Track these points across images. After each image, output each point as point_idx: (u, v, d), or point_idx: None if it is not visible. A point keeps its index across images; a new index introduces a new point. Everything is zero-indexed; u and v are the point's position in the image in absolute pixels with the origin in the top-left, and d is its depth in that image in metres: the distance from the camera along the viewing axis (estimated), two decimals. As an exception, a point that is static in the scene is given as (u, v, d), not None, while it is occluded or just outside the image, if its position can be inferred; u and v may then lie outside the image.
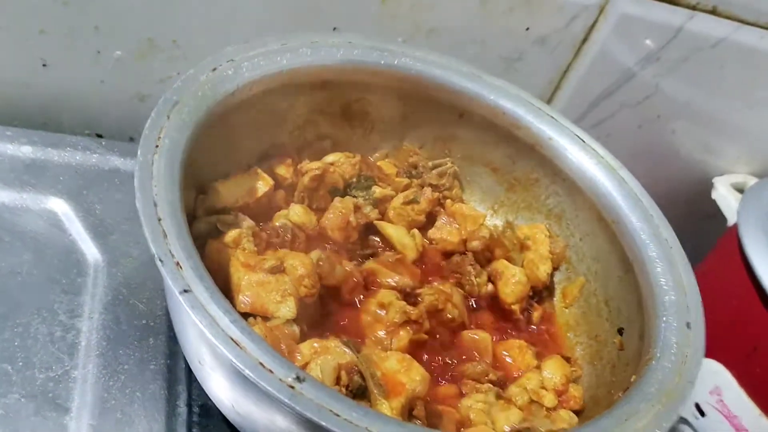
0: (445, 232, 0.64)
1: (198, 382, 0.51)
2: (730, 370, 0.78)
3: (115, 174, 0.64)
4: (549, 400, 0.53)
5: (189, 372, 0.54)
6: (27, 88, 0.67)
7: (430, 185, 0.66)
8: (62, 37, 0.65)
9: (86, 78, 0.68)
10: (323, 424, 0.37)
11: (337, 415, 0.37)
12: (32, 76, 0.67)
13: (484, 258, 0.64)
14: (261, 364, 0.38)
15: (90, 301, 0.56)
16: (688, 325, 0.50)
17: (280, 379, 0.38)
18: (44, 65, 0.66)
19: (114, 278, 0.58)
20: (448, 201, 0.66)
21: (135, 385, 0.52)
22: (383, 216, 0.63)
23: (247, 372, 0.37)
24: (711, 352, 0.80)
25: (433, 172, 0.67)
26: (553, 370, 0.56)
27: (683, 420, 0.82)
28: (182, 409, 0.52)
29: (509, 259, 0.64)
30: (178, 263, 0.40)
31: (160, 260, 0.40)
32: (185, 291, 0.39)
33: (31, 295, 0.54)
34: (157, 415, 0.51)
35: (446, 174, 0.67)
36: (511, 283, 0.62)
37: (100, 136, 0.71)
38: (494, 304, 0.63)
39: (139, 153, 0.45)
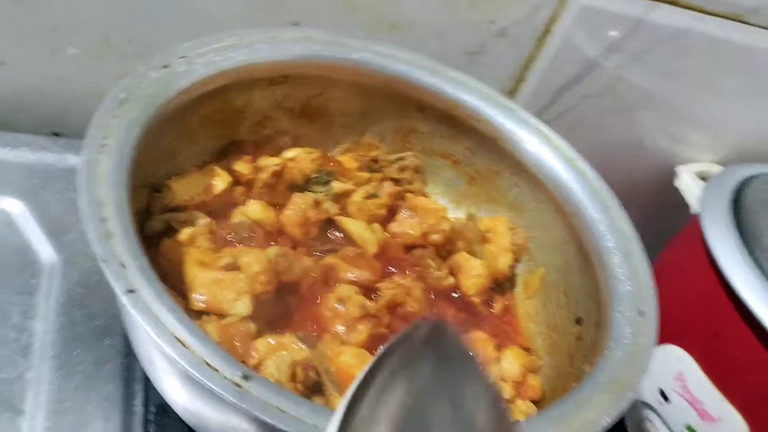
0: (406, 225, 0.64)
1: (154, 382, 0.51)
2: (693, 356, 0.79)
3: (72, 173, 0.61)
4: (506, 391, 0.54)
5: (146, 373, 0.53)
6: (-19, 88, 0.67)
7: (391, 179, 0.66)
8: (17, 35, 0.64)
9: (42, 76, 0.67)
10: (269, 421, 0.36)
11: (284, 412, 0.37)
12: (-13, 75, 0.66)
13: (446, 251, 0.64)
14: (206, 362, 0.38)
15: (44, 302, 0.55)
16: (642, 314, 0.51)
17: (226, 378, 0.37)
18: (0, 63, 0.65)
19: (69, 278, 0.57)
20: (409, 195, 0.66)
21: (90, 386, 0.52)
22: (344, 211, 0.63)
23: (191, 371, 0.37)
24: (674, 339, 0.81)
25: (394, 166, 0.67)
26: (511, 361, 0.56)
27: (648, 406, 0.83)
28: (139, 409, 0.52)
29: (471, 252, 0.64)
30: (122, 264, 0.40)
31: (104, 261, 0.39)
32: (130, 291, 0.39)
33: (-17, 297, 0.54)
34: (112, 415, 0.51)
35: (407, 168, 0.67)
36: (472, 275, 0.62)
37: (57, 134, 0.70)
38: (456, 297, 0.63)
39: (82, 152, 0.44)
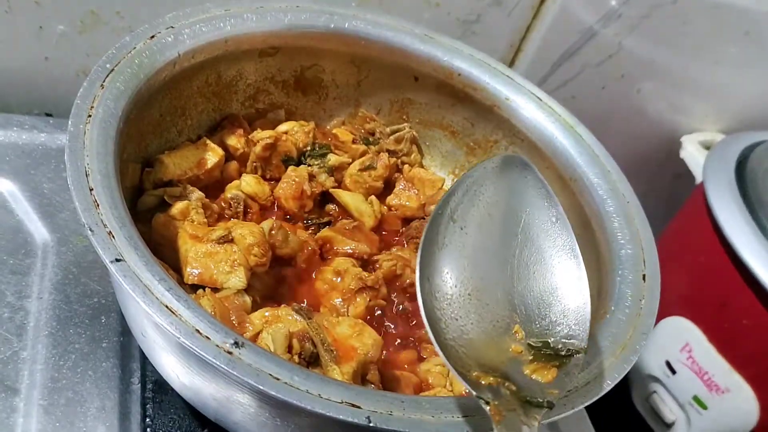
0: (403, 197, 0.64)
1: (151, 358, 0.50)
2: (700, 327, 0.78)
3: (64, 153, 0.63)
4: None
5: (141, 348, 0.53)
6: (-32, 69, 0.66)
7: (388, 151, 0.65)
8: (2, 14, 0.63)
9: (30, 55, 0.66)
10: (262, 388, 0.36)
11: (277, 379, 0.36)
12: (-27, 56, 0.65)
13: None
14: (197, 331, 0.37)
15: (39, 281, 0.54)
16: (643, 277, 0.50)
17: (217, 345, 0.37)
18: (-15, 44, 0.65)
19: (64, 257, 0.57)
20: (406, 166, 0.65)
21: (87, 364, 0.51)
22: (340, 184, 0.62)
23: (182, 340, 0.36)
24: (680, 310, 0.80)
25: (391, 137, 0.66)
26: (512, 330, 0.55)
27: (654, 378, 0.83)
28: (136, 386, 0.52)
29: None
30: (110, 232, 0.39)
31: (91, 230, 0.39)
32: (117, 260, 0.38)
33: (-24, 277, 0.53)
34: (110, 393, 0.50)
35: (404, 139, 0.66)
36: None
37: (49, 114, 0.69)
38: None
39: (69, 123, 0.43)
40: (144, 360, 0.53)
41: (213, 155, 0.57)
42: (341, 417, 0.36)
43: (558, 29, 0.79)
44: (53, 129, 0.64)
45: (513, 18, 0.77)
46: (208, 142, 0.58)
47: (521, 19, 0.78)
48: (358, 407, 0.37)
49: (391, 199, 0.64)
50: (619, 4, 0.79)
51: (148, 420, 0.50)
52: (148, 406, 0.51)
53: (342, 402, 0.37)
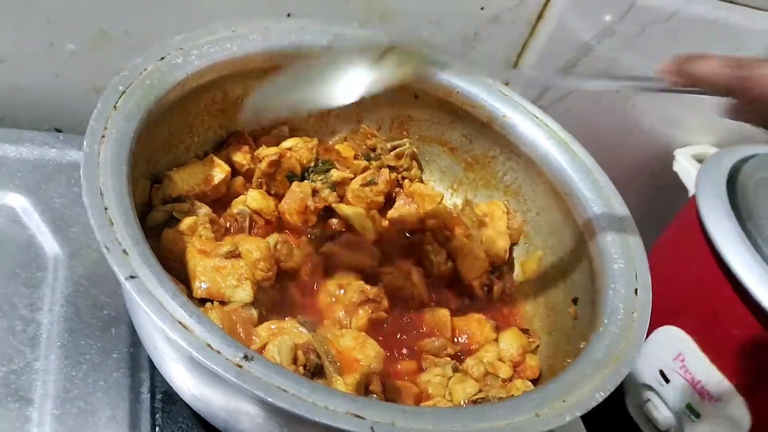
0: (403, 211, 0.65)
1: (160, 369, 0.52)
2: (692, 336, 0.80)
3: (74, 167, 0.65)
4: (504, 371, 0.55)
5: (152, 359, 0.54)
6: (-20, 85, 0.67)
7: (388, 167, 0.67)
8: (13, 30, 0.65)
9: (41, 72, 0.68)
10: (270, 400, 0.37)
11: (285, 391, 0.38)
12: (-15, 73, 0.67)
13: (444, 237, 0.65)
14: (209, 345, 0.39)
15: (50, 294, 0.56)
16: (635, 291, 0.52)
17: (228, 359, 0.38)
18: (-2, 61, 0.67)
19: (74, 271, 0.58)
20: (406, 181, 0.67)
21: (98, 375, 0.53)
22: (342, 199, 0.64)
23: (194, 354, 0.38)
24: (673, 319, 0.82)
25: (391, 153, 0.68)
26: (509, 342, 0.57)
27: (648, 387, 0.84)
28: (145, 396, 0.53)
29: (469, 237, 0.65)
30: (125, 250, 0.41)
31: (106, 248, 0.40)
32: (132, 277, 0.40)
33: (-10, 290, 0.55)
34: (120, 403, 0.52)
35: (404, 155, 0.68)
36: (470, 259, 0.63)
37: (59, 130, 0.71)
38: (455, 281, 0.64)
39: (84, 143, 0.45)
40: (153, 371, 0.54)
41: (220, 171, 0.59)
42: (346, 427, 0.38)
43: (554, 45, 0.81)
44: (63, 144, 0.66)
45: (510, 34, 0.79)
46: (215, 158, 0.59)
47: (518, 36, 0.80)
48: (362, 418, 0.39)
49: (392, 214, 0.65)
50: (614, 21, 0.81)
51: (157, 429, 0.51)
52: (157, 416, 0.52)
53: (347, 413, 0.39)
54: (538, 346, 0.59)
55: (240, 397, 0.42)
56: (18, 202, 0.61)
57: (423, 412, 0.42)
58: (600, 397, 0.44)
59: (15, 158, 0.64)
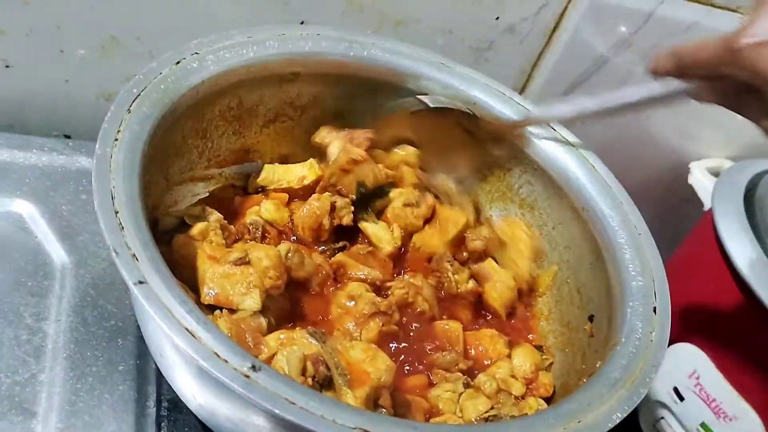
0: (431, 238, 0.63)
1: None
2: (708, 354, 0.79)
3: (83, 174, 0.64)
4: (517, 388, 0.54)
5: (159, 372, 0.53)
6: (-10, 90, 0.67)
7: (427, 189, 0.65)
8: (24, 37, 0.64)
9: (50, 78, 0.68)
10: (277, 412, 0.36)
11: (293, 404, 0.37)
12: (-5, 79, 0.66)
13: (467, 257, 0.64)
14: (216, 354, 0.38)
15: (57, 304, 0.55)
16: (654, 309, 0.51)
17: (235, 368, 0.37)
18: (7, 66, 0.66)
19: (82, 280, 0.57)
20: (437, 205, 0.65)
21: (103, 387, 0.52)
22: (381, 212, 0.63)
23: (201, 362, 0.37)
24: (688, 336, 0.81)
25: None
26: (522, 359, 0.56)
27: (662, 404, 0.83)
28: (152, 410, 0.52)
29: (491, 256, 0.63)
30: (134, 255, 0.40)
31: (116, 252, 0.40)
32: (140, 282, 0.39)
33: (-5, 298, 0.54)
34: (126, 416, 0.51)
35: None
36: (498, 287, 0.61)
37: (68, 137, 0.70)
38: (476, 301, 0.62)
39: (97, 146, 0.45)
40: (160, 381, 0.53)
41: (311, 173, 0.60)
42: None
43: (569, 57, 0.80)
44: (72, 151, 0.65)
45: (525, 45, 0.78)
46: (313, 161, 0.61)
47: (533, 47, 0.79)
48: None
49: (418, 241, 0.63)
50: (631, 32, 0.80)
51: (162, 438, 0.51)
52: (162, 424, 0.51)
53: (356, 428, 0.38)
54: (552, 364, 0.58)
55: (246, 408, 0.41)
56: (25, 208, 0.60)
57: (434, 429, 0.41)
58: (617, 418, 0.43)
59: (23, 164, 0.63)
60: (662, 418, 0.84)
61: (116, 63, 0.67)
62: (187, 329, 0.38)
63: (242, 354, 0.38)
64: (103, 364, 0.53)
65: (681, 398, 0.81)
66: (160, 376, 0.53)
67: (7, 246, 0.57)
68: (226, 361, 0.38)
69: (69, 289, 0.56)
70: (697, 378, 0.79)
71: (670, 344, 0.81)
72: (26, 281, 0.56)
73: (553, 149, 0.62)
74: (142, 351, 0.54)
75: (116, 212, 0.41)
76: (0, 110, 0.68)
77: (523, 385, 0.54)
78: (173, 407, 0.52)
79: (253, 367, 0.38)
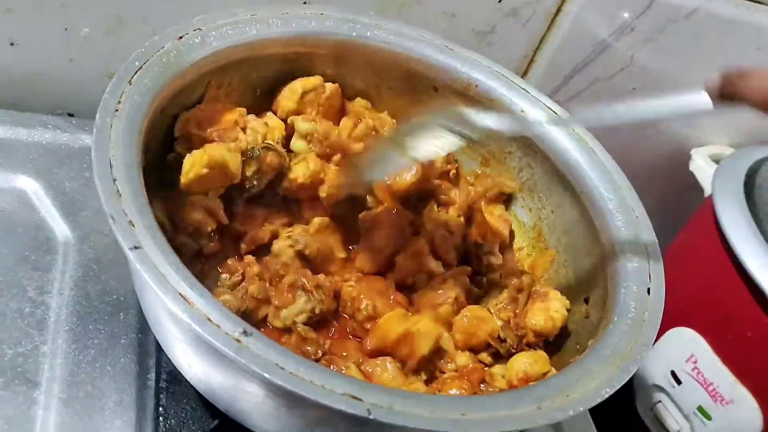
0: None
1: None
2: (705, 338, 0.79)
3: (86, 152, 0.65)
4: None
5: (159, 345, 0.54)
6: (-5, 68, 0.68)
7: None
8: (29, 14, 0.65)
9: (55, 56, 0.68)
10: (267, 376, 0.37)
11: (282, 369, 0.38)
12: (0, 56, 0.67)
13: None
14: (208, 318, 0.38)
15: (60, 278, 0.56)
16: (648, 291, 0.51)
17: (227, 333, 0.38)
18: (12, 44, 0.66)
19: (84, 255, 0.58)
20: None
21: (105, 359, 0.53)
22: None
23: (193, 326, 0.38)
24: (686, 320, 0.81)
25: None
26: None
27: (659, 388, 0.83)
28: (152, 383, 0.53)
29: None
30: (131, 221, 0.41)
31: (112, 218, 0.40)
32: (135, 247, 0.40)
33: (-1, 272, 0.55)
34: (127, 388, 0.52)
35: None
36: (541, 317, 0.57)
37: (71, 115, 0.71)
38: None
39: (97, 116, 0.45)
40: (160, 354, 0.54)
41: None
42: (343, 408, 0.37)
43: (571, 41, 0.80)
44: (76, 129, 0.66)
45: (527, 29, 0.79)
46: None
47: (536, 31, 0.79)
48: (360, 400, 0.38)
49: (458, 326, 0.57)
50: (633, 17, 0.80)
51: (161, 409, 0.51)
52: (161, 396, 0.52)
53: (344, 393, 0.38)
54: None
55: (238, 375, 0.41)
56: (29, 185, 0.61)
57: (422, 398, 0.42)
58: (606, 393, 0.43)
59: (27, 142, 0.64)
60: (659, 401, 0.84)
61: (121, 42, 0.68)
62: (180, 294, 0.39)
63: (234, 320, 0.39)
64: (104, 337, 0.54)
65: (678, 382, 0.81)
66: (160, 349, 0.54)
67: (12, 221, 0.58)
68: (218, 326, 0.38)
69: (72, 263, 0.57)
70: (695, 362, 0.80)
71: (668, 328, 0.82)
72: (30, 256, 0.57)
73: (553, 133, 0.63)
74: (143, 325, 0.55)
75: (114, 180, 0.42)
76: (4, 88, 0.68)
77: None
78: (172, 379, 0.53)
79: (245, 333, 0.38)
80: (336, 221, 0.59)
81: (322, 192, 0.58)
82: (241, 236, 0.56)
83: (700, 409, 0.80)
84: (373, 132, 0.62)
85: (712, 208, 0.79)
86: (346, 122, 0.61)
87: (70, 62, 0.69)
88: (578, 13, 0.78)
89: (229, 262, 0.53)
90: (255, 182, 0.55)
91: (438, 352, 0.53)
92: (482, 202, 0.66)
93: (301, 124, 0.59)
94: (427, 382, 0.51)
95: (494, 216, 0.65)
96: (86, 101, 0.70)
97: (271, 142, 0.57)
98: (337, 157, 0.60)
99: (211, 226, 0.54)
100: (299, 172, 0.57)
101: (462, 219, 0.64)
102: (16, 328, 0.52)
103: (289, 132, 0.61)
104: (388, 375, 0.50)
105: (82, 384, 0.51)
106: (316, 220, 0.58)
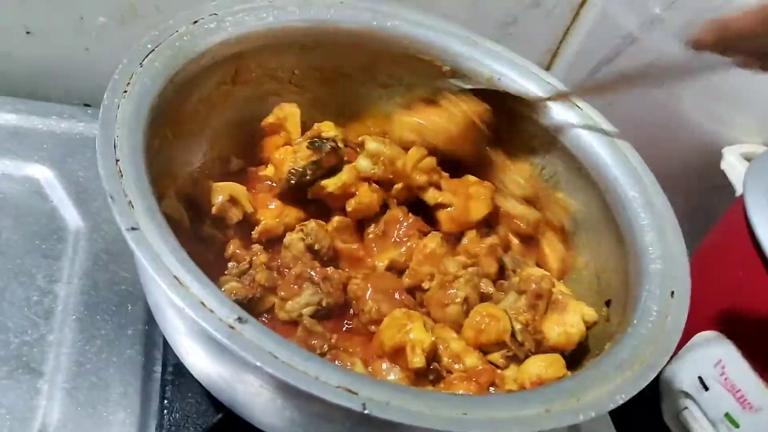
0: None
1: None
2: (734, 343, 0.76)
3: (100, 142, 0.64)
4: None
5: (158, 324, 0.53)
6: (11, 57, 0.67)
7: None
8: (44, 3, 0.65)
9: (70, 46, 0.68)
10: (259, 365, 0.36)
11: (276, 357, 0.36)
12: (16, 45, 0.67)
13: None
14: (202, 303, 0.37)
15: (69, 267, 0.56)
16: (672, 294, 0.48)
17: (221, 319, 0.37)
18: (28, 33, 0.66)
19: (95, 244, 0.58)
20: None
21: (111, 350, 0.52)
22: None
23: (187, 310, 0.37)
24: (714, 324, 0.78)
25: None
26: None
27: (686, 394, 0.81)
28: (158, 375, 0.52)
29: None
30: (130, 202, 0.40)
31: (111, 198, 0.39)
32: (133, 228, 0.39)
33: (8, 259, 0.55)
34: (132, 380, 0.51)
35: None
36: (555, 331, 0.55)
37: (87, 105, 0.71)
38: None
39: (105, 96, 0.44)
40: (166, 347, 0.54)
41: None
42: (337, 401, 0.36)
43: (597, 34, 0.78)
44: (91, 119, 0.66)
45: (551, 21, 0.76)
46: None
47: (560, 23, 0.77)
48: (355, 393, 0.36)
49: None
50: (663, 9, 0.77)
51: (166, 402, 0.51)
52: (167, 388, 0.52)
53: (339, 386, 0.37)
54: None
55: (234, 364, 0.40)
56: (42, 173, 0.61)
57: (422, 394, 0.40)
58: (620, 399, 0.41)
59: (42, 130, 0.64)
60: (686, 408, 0.82)
61: (136, 32, 0.67)
62: (176, 277, 0.38)
63: (230, 305, 0.38)
64: (111, 328, 0.53)
65: (705, 388, 0.79)
66: (166, 342, 0.53)
67: (23, 209, 0.58)
68: (212, 311, 0.37)
69: (82, 253, 0.57)
70: (723, 367, 0.77)
71: (696, 332, 0.80)
72: (40, 244, 0.56)
73: (579, 130, 0.60)
74: (150, 316, 0.54)
75: (117, 160, 0.41)
76: (21, 77, 0.69)
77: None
78: (177, 372, 0.52)
79: (239, 319, 0.37)
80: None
81: (349, 206, 0.57)
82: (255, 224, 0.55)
83: (728, 416, 0.77)
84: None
85: (743, 208, 0.76)
86: (414, 152, 0.59)
87: (86, 51, 0.68)
88: (605, 4, 0.76)
89: (237, 250, 0.52)
90: (309, 172, 0.55)
91: (436, 357, 0.51)
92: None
93: (371, 143, 0.58)
94: (434, 383, 0.49)
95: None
96: (102, 91, 0.69)
97: (339, 144, 0.56)
98: (398, 186, 0.58)
99: (238, 217, 0.53)
100: (330, 181, 0.56)
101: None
102: (23, 316, 0.52)
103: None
104: (394, 377, 0.48)
105: (87, 374, 0.50)
106: (337, 218, 0.57)
